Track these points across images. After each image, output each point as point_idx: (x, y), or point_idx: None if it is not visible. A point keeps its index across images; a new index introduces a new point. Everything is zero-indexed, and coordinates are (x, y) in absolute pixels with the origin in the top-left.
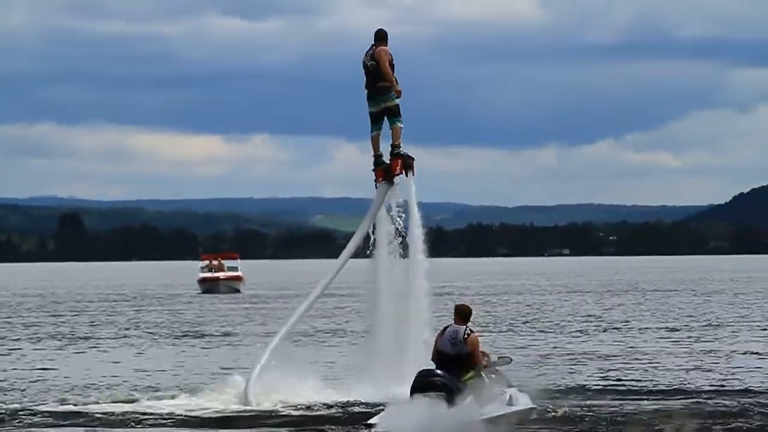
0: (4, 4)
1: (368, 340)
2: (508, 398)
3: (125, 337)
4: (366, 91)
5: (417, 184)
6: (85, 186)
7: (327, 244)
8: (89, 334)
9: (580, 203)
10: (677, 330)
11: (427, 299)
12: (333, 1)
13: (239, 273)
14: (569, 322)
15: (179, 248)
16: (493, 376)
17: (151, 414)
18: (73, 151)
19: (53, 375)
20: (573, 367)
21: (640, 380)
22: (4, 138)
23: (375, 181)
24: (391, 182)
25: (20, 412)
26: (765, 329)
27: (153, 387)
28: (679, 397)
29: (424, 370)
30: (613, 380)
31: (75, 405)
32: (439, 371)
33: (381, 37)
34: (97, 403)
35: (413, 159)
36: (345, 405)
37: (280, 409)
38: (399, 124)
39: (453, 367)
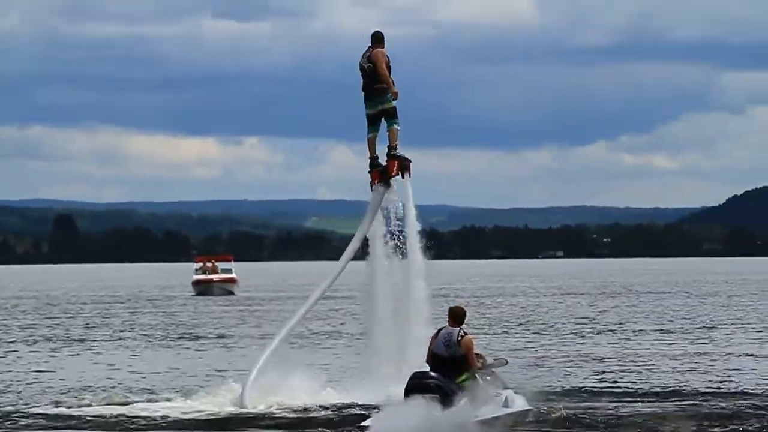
0: None
1: (365, 342)
2: (503, 400)
3: (119, 339)
4: (363, 93)
5: (411, 186)
6: (79, 188)
7: (322, 247)
8: (84, 337)
9: (573, 205)
10: (672, 332)
11: (425, 300)
12: (325, 3)
13: (233, 275)
14: (564, 324)
15: (173, 250)
16: (488, 378)
17: (146, 417)
18: (67, 153)
19: (48, 377)
20: (568, 369)
21: (635, 382)
22: None
23: (370, 183)
24: (387, 184)
25: (14, 415)
26: (760, 331)
27: (147, 389)
28: (674, 399)
29: (417, 372)
30: (609, 382)
31: (69, 407)
32: (432, 373)
33: (378, 39)
34: (91, 405)
35: (410, 161)
36: (340, 407)
37: (276, 412)
38: (396, 126)
39: (447, 369)
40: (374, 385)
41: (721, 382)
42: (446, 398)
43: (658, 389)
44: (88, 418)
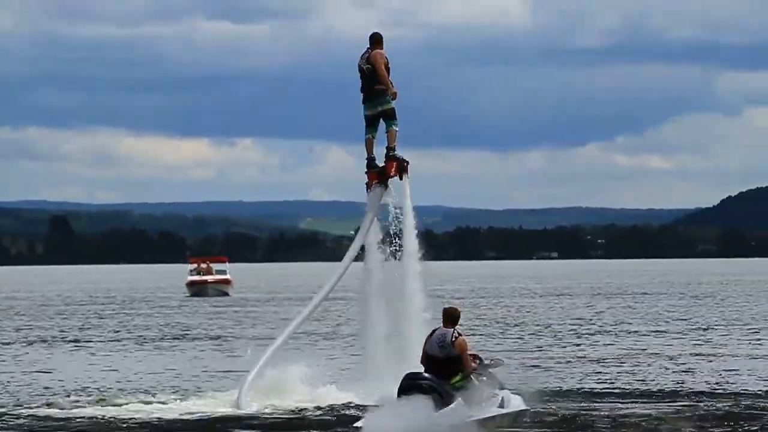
0: None
1: (360, 344)
2: (499, 401)
3: (113, 340)
4: (362, 94)
5: (399, 186)
6: (74, 189)
7: (316, 247)
8: (78, 338)
9: (568, 206)
10: (668, 333)
11: (422, 300)
12: (321, 4)
13: (228, 276)
14: (560, 325)
15: (168, 251)
16: (484, 378)
17: (140, 418)
18: (62, 154)
19: (41, 378)
20: (565, 369)
21: (632, 383)
22: None
23: (367, 183)
24: (385, 185)
25: (6, 416)
26: (756, 332)
27: (141, 390)
28: (671, 399)
29: (410, 372)
30: (606, 383)
31: (62, 409)
32: (425, 374)
33: (376, 40)
34: (84, 406)
35: (407, 162)
36: (335, 408)
37: (271, 413)
38: (394, 128)
39: (441, 370)
40: (369, 386)
41: (717, 382)
42: (439, 399)
43: (655, 390)
44: (81, 420)
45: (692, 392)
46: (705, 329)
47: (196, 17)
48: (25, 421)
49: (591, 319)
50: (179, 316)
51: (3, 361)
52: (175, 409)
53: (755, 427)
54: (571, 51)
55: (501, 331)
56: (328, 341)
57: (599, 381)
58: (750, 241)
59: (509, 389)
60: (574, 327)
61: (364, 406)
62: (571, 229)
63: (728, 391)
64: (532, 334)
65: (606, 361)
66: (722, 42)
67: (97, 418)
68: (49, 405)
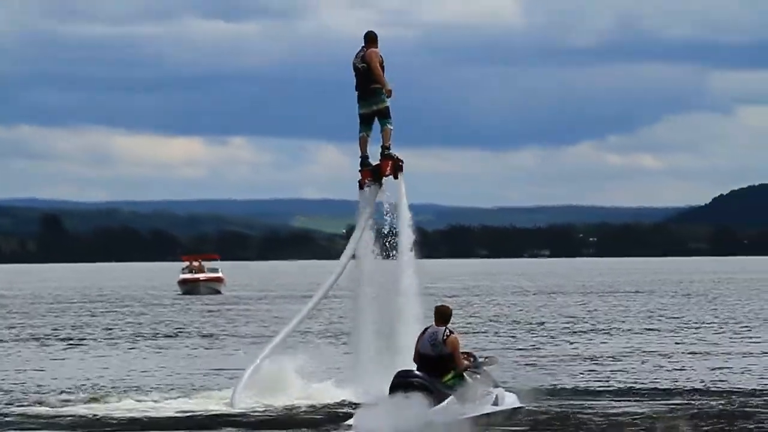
0: None
1: (353, 341)
2: (494, 398)
3: (106, 338)
4: (356, 93)
5: (394, 184)
6: (66, 188)
7: (308, 246)
8: (69, 336)
9: (560, 204)
10: (661, 331)
11: (416, 299)
12: (316, 3)
13: (220, 274)
14: (553, 323)
15: (160, 250)
16: (478, 376)
17: (133, 416)
18: (54, 152)
19: (34, 376)
20: (559, 368)
21: (626, 381)
22: None
23: (360, 181)
24: (380, 183)
25: None
26: (749, 330)
27: (133, 389)
28: (665, 398)
29: (401, 370)
30: (600, 381)
31: (54, 407)
32: (417, 372)
33: (371, 39)
34: (75, 404)
35: (402, 161)
36: (328, 406)
37: (263, 411)
38: (389, 126)
39: (434, 368)
40: (362, 384)
41: (711, 380)
42: (431, 396)
43: (648, 388)
44: (73, 418)
45: (685, 390)
46: (698, 327)
47: (189, 16)
48: (15, 419)
49: (584, 318)
50: (171, 314)
51: None
52: (167, 407)
53: (749, 425)
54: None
55: (494, 329)
56: (321, 339)
57: (593, 379)
58: (742, 239)
59: (503, 387)
60: (567, 325)
61: (357, 404)
62: (563, 228)
63: (721, 389)
64: (525, 332)
65: (599, 359)
66: (715, 41)
67: (89, 416)
68: (40, 403)
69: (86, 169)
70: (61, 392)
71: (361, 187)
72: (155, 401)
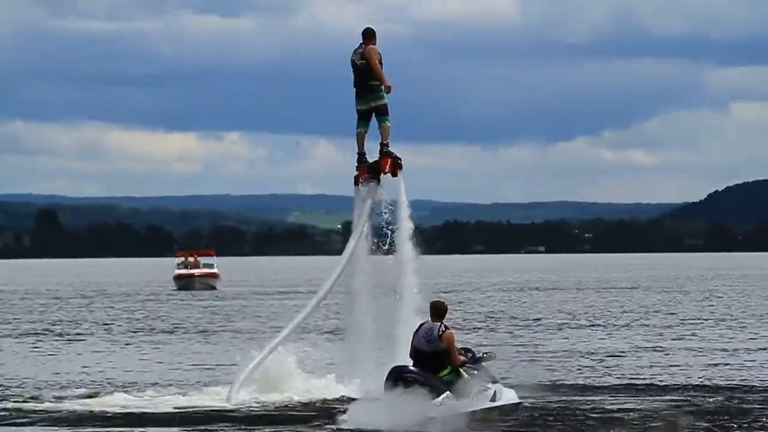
0: None
1: (349, 337)
2: (492, 394)
3: (101, 334)
4: (354, 89)
5: (392, 181)
6: (61, 183)
7: (304, 241)
8: (64, 331)
9: (555, 201)
10: (657, 327)
11: (417, 296)
12: None
13: (215, 270)
14: (550, 318)
15: (155, 245)
16: (476, 372)
17: (128, 412)
18: (49, 148)
19: (28, 371)
20: (557, 363)
21: (623, 377)
22: None
23: (356, 177)
24: (378, 180)
25: None
26: (744, 326)
27: (129, 384)
28: (662, 393)
29: (396, 366)
30: (598, 377)
31: (49, 402)
32: (412, 367)
33: (369, 35)
34: (72, 400)
35: (401, 159)
36: (324, 401)
37: (259, 407)
38: (387, 123)
39: (429, 363)
40: (358, 379)
41: (708, 376)
42: (426, 392)
43: (646, 384)
44: (69, 414)
45: (682, 386)
46: (694, 323)
47: (183, 11)
48: (8, 413)
49: (581, 313)
50: (166, 310)
51: None
52: (163, 403)
53: (746, 421)
54: (558, 46)
55: (491, 324)
56: (319, 335)
57: (591, 375)
58: (737, 235)
59: (502, 383)
60: (565, 321)
61: (352, 400)
62: (559, 224)
63: (719, 385)
64: (522, 327)
65: (597, 355)
66: (709, 37)
67: (84, 412)
68: (35, 399)
69: (81, 165)
70: (57, 388)
71: (356, 183)
72: (151, 397)
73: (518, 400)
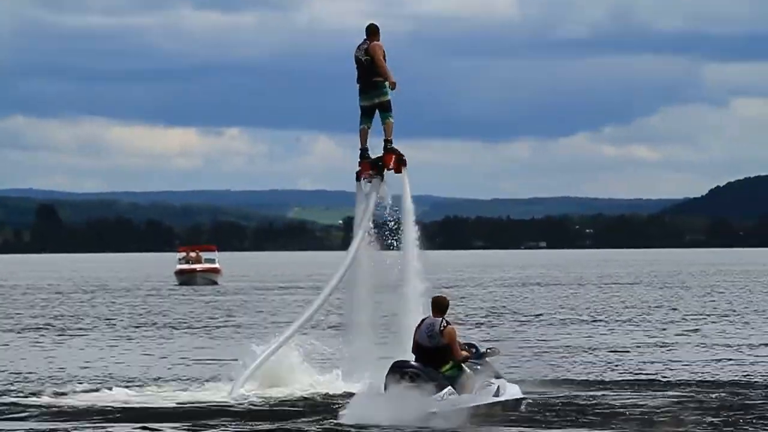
0: None
1: (350, 333)
2: (495, 389)
3: (102, 329)
4: (358, 85)
5: (395, 178)
6: (61, 178)
7: (304, 236)
8: (66, 326)
9: (556, 196)
10: (659, 322)
11: (421, 291)
12: None
13: (216, 265)
14: (552, 314)
15: (156, 240)
16: (479, 367)
17: (130, 407)
18: (49, 143)
19: (29, 367)
20: (561, 358)
21: (627, 372)
22: None
23: (358, 173)
24: (381, 176)
25: None
26: (746, 322)
27: (131, 379)
28: (666, 389)
29: (397, 361)
30: (601, 372)
31: (52, 397)
32: (413, 362)
33: (373, 31)
34: (73, 395)
35: (404, 156)
36: (325, 396)
37: (261, 402)
38: (391, 119)
39: (431, 359)
40: (360, 375)
41: (710, 372)
42: (427, 387)
43: (649, 379)
44: (70, 409)
45: (685, 382)
46: (696, 319)
47: (183, 6)
48: (7, 408)
49: (583, 308)
50: (168, 305)
51: None
52: (165, 398)
53: (749, 416)
54: (558, 41)
55: (493, 320)
56: (323, 330)
57: (594, 370)
58: (738, 231)
59: (505, 378)
60: (567, 316)
61: (353, 395)
62: (559, 219)
63: (721, 381)
64: (524, 323)
65: (599, 350)
66: (709, 33)
67: (85, 407)
68: (36, 394)
69: (81, 160)
70: (59, 382)
71: (358, 178)
72: (153, 392)
73: (522, 396)
